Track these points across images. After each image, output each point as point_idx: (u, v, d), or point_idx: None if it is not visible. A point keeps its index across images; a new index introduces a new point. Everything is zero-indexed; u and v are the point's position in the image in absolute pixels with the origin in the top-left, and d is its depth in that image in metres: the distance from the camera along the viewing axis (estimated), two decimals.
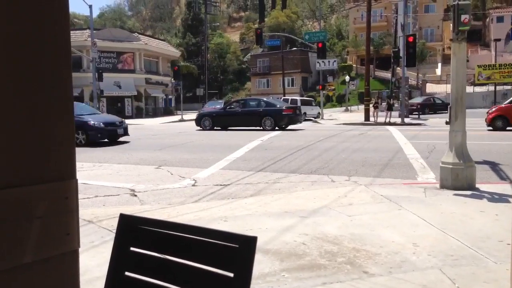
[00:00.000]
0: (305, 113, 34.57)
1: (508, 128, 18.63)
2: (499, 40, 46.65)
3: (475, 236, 4.77)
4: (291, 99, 35.83)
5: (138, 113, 46.41)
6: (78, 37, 42.72)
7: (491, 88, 42.86)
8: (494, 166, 9.79)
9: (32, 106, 1.30)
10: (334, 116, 38.43)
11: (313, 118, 35.60)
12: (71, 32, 1.53)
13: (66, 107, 1.40)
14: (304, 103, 35.84)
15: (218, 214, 5.92)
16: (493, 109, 20.74)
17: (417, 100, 39.90)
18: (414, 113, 34.20)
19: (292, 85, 60.48)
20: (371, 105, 29.11)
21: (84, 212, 6.00)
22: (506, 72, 40.13)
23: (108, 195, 7.62)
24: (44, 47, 1.33)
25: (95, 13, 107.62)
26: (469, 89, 39.61)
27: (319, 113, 38.07)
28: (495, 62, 44.74)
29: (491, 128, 19.68)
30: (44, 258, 1.33)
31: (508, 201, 6.21)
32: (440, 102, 38.90)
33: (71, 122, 1.41)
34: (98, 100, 37.75)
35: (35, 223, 1.30)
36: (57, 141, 1.36)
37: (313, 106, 37.81)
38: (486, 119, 20.38)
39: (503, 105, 20.56)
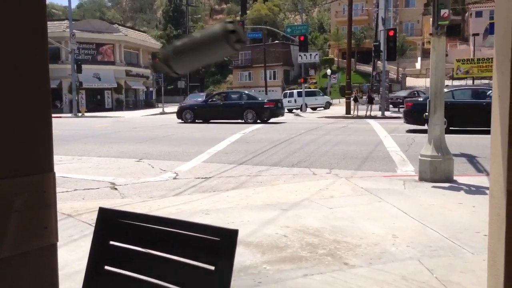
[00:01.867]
0: (306, 104, 35.43)
1: None
2: (477, 34, 47.33)
3: (453, 228, 4.86)
4: (297, 91, 38.71)
5: (118, 106, 45.88)
6: (56, 28, 41.92)
7: (470, 82, 43.55)
8: (471, 159, 9.97)
9: (8, 100, 1.28)
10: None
11: (322, 109, 37.65)
12: (49, 23, 1.50)
13: (43, 100, 1.37)
14: (310, 94, 37.17)
15: (200, 207, 5.91)
16: None
17: (402, 93, 40.42)
18: (399, 106, 34.71)
19: (274, 78, 60.49)
20: (351, 99, 29.34)
21: (63, 205, 5.92)
22: (484, 66, 40.79)
23: (88, 189, 7.53)
24: (20, 40, 1.30)
25: (74, 4, 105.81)
26: (448, 83, 40.16)
27: (328, 102, 38.99)
28: (474, 56, 45.43)
29: None
30: (22, 252, 1.31)
31: (485, 193, 6.34)
32: (424, 95, 39.44)
33: (48, 115, 1.38)
34: (77, 92, 37.20)
35: (12, 217, 1.28)
36: (34, 134, 1.34)
37: (319, 96, 38.54)
38: None
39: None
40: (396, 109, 33.58)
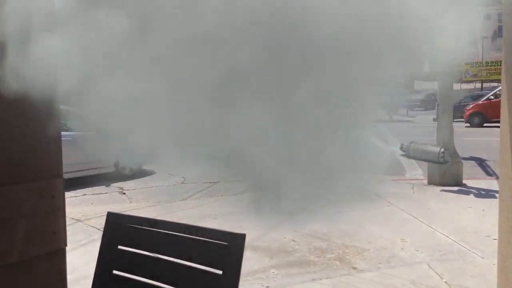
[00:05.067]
0: None
1: (485, 124, 18.83)
2: (486, 37, 47.06)
3: (462, 232, 4.82)
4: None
5: None
6: None
7: (478, 85, 43.29)
8: (480, 162, 9.89)
9: (16, 107, 1.29)
10: None
11: None
12: None
13: (52, 107, 1.38)
14: None
15: (207, 212, 5.91)
16: (471, 106, 20.94)
17: (418, 96, 40.32)
18: (415, 109, 34.47)
19: None
20: None
21: (72, 210, 5.95)
22: (493, 69, 40.52)
23: (97, 193, 7.56)
24: None
25: None
26: (456, 86, 39.96)
27: None
28: (482, 59, 45.14)
29: (468, 124, 19.84)
30: (31, 257, 1.32)
31: (495, 197, 6.28)
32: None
33: (57, 121, 1.39)
34: None
35: (22, 222, 1.29)
36: (42, 140, 1.35)
37: None
38: (463, 115, 20.59)
39: (480, 102, 20.81)
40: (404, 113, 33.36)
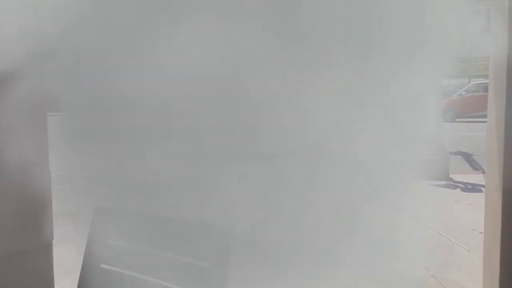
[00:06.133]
0: None
1: (457, 119, 18.98)
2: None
3: (449, 225, 4.86)
4: None
5: None
6: None
7: (466, 80, 43.63)
8: (468, 157, 9.98)
9: (1, 102, 1.27)
10: None
11: None
12: None
13: (37, 98, 1.36)
14: None
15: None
16: (443, 102, 21.11)
17: None
18: None
19: None
20: None
21: (60, 204, 5.90)
22: (481, 65, 40.84)
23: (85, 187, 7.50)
24: None
25: None
26: (444, 81, 40.15)
27: None
28: (470, 55, 45.43)
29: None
30: (18, 251, 1.30)
31: (481, 191, 6.34)
32: None
33: (43, 113, 1.38)
34: None
35: (8, 217, 1.28)
36: (28, 133, 1.33)
37: None
38: None
39: (453, 98, 21.01)
40: None
